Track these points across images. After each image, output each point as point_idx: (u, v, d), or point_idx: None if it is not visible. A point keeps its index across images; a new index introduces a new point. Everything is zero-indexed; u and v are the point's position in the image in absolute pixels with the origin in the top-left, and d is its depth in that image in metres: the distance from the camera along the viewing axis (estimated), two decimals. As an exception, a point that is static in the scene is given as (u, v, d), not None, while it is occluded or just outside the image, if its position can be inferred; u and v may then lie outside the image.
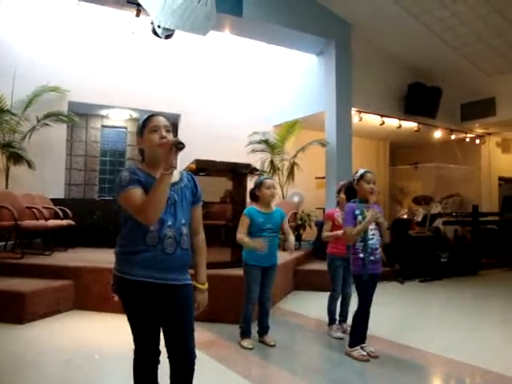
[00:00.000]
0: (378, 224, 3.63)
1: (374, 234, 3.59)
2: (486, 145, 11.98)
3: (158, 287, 1.98)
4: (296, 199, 8.89)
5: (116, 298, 2.04)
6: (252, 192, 4.01)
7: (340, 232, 4.04)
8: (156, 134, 2.00)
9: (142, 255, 1.94)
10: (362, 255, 3.54)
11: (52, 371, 3.31)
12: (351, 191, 3.75)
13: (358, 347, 3.60)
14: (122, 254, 2.01)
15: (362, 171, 3.65)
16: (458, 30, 8.32)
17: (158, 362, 2.09)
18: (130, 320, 2.03)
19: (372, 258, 3.56)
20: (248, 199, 5.14)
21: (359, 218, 3.53)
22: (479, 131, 11.58)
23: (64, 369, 3.34)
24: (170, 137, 2.01)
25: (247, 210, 3.90)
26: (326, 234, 4.31)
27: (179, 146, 1.91)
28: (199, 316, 2.13)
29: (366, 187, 3.57)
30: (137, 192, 1.91)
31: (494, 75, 9.62)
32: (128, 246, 1.99)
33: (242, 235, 3.77)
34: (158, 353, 2.07)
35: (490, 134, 11.78)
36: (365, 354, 3.57)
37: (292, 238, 3.95)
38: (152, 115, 2.07)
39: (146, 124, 2.04)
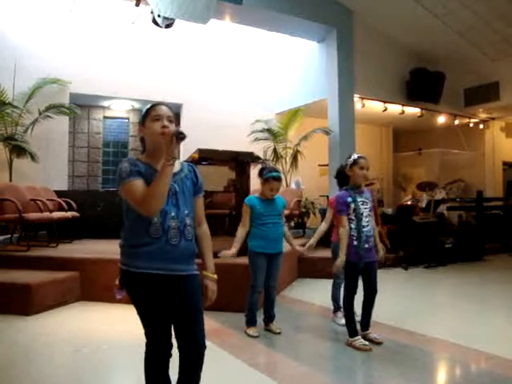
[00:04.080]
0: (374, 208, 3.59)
1: (368, 221, 3.50)
2: (490, 129, 11.93)
3: (164, 278, 1.95)
4: (293, 186, 8.84)
5: (119, 297, 2.00)
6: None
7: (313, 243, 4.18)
8: (158, 123, 1.97)
9: (146, 248, 1.92)
10: (355, 243, 3.45)
11: (61, 361, 3.34)
12: (343, 177, 3.66)
13: (359, 336, 3.53)
14: (127, 247, 1.98)
15: (355, 156, 3.53)
16: (461, 13, 8.22)
17: (170, 355, 2.03)
18: (139, 314, 1.98)
19: (366, 245, 3.47)
20: (252, 187, 5.17)
21: (352, 205, 3.46)
22: (483, 116, 11.51)
23: (73, 359, 3.36)
24: (172, 127, 1.98)
25: (248, 199, 3.92)
26: (321, 228, 4.33)
27: (180, 136, 1.88)
28: (205, 306, 2.12)
29: (359, 173, 3.47)
30: (138, 184, 1.89)
31: (497, 59, 9.54)
32: (132, 238, 1.97)
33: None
34: (171, 346, 2.02)
35: (493, 118, 11.72)
36: (367, 343, 3.47)
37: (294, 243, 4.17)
38: (155, 104, 2.04)
39: (148, 113, 2.02)
